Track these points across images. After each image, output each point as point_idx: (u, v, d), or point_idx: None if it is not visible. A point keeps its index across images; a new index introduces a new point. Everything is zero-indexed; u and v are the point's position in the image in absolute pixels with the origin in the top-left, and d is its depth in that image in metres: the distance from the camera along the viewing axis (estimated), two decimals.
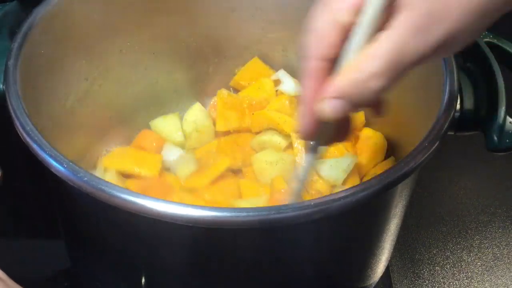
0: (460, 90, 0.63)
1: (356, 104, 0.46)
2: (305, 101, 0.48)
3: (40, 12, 0.68)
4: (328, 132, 0.51)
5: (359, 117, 0.79)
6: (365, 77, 0.44)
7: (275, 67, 0.87)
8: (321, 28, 0.46)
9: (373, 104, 0.51)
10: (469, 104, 0.64)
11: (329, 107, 0.46)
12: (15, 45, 0.65)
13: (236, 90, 0.87)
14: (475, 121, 0.63)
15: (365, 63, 0.44)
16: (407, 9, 0.43)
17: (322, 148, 0.53)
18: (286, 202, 0.53)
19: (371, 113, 0.52)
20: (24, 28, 0.66)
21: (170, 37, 0.84)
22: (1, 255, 0.55)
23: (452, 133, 0.63)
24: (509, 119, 0.61)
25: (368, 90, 0.44)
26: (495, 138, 0.60)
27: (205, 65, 0.88)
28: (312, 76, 0.47)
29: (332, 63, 0.47)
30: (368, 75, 0.44)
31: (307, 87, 0.48)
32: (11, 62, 0.63)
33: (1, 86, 0.62)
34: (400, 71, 0.44)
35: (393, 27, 0.43)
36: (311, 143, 0.53)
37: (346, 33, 0.45)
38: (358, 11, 0.45)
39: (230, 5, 0.83)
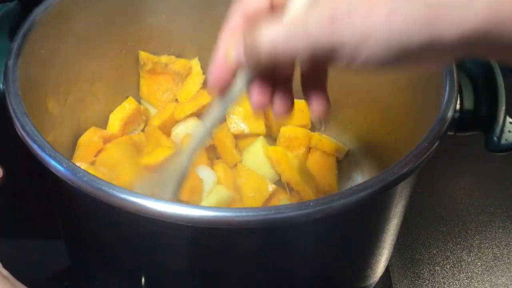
0: (460, 90, 0.63)
1: (253, 58, 0.45)
2: (219, 50, 0.49)
3: (40, 12, 0.68)
4: (237, 91, 0.50)
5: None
6: (263, 33, 0.44)
7: None
8: None
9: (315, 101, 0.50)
10: (469, 104, 0.63)
11: (233, 53, 0.47)
12: (15, 45, 0.65)
13: None
14: (475, 121, 0.63)
15: (271, 26, 0.44)
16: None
17: (229, 103, 0.51)
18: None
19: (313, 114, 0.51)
20: (24, 28, 0.66)
21: (170, 37, 0.84)
22: (1, 255, 0.55)
23: (452, 133, 0.63)
24: (509, 119, 0.61)
25: (258, 47, 0.44)
26: (495, 138, 0.60)
27: (205, 69, 0.88)
28: (230, 28, 0.49)
29: (253, 21, 0.47)
30: (266, 32, 0.44)
31: (223, 36, 0.49)
32: (11, 62, 0.63)
33: (1, 85, 0.62)
34: (297, 48, 0.43)
35: (318, 5, 0.42)
36: (220, 97, 0.51)
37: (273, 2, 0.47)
38: None
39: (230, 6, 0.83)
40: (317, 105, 0.50)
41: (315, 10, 0.42)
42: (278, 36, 0.43)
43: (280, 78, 0.50)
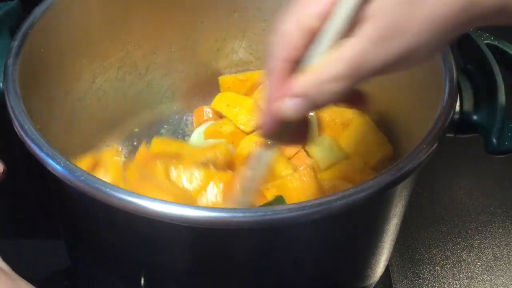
0: (460, 92, 0.63)
1: (315, 103, 0.48)
2: (268, 100, 0.50)
3: (40, 12, 0.68)
4: (288, 133, 0.53)
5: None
6: (326, 79, 0.46)
7: None
8: (288, 30, 0.48)
9: (353, 100, 0.54)
10: (468, 106, 0.63)
11: (289, 105, 0.48)
12: (15, 44, 0.65)
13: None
14: (475, 123, 0.63)
15: (327, 65, 0.46)
16: (371, 20, 0.45)
17: (276, 149, 0.55)
18: (236, 203, 0.57)
19: (357, 108, 0.57)
20: (24, 27, 0.66)
21: (170, 37, 0.84)
22: (1, 255, 0.55)
23: (452, 135, 0.63)
24: (508, 121, 0.61)
25: (328, 91, 0.47)
26: (495, 140, 0.60)
27: (204, 68, 0.88)
28: (275, 76, 0.49)
29: (295, 64, 0.48)
30: (329, 77, 0.46)
31: (270, 86, 0.49)
32: (10, 61, 0.63)
33: (1, 85, 0.62)
34: (360, 77, 0.47)
35: (357, 36, 0.45)
36: (269, 142, 0.55)
37: (311, 37, 0.47)
38: (325, 17, 0.47)
39: (231, 7, 0.83)
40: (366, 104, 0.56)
41: (357, 40, 0.45)
42: (344, 77, 0.46)
43: None
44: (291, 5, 0.48)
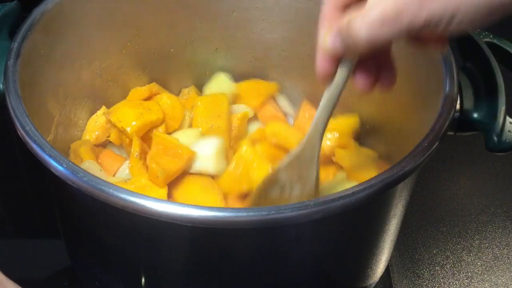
0: (460, 90, 0.63)
1: (345, 44, 0.50)
2: (319, 41, 0.52)
3: (40, 12, 0.68)
4: (345, 75, 0.54)
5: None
6: (358, 24, 0.47)
7: (274, 67, 0.87)
8: None
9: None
10: (469, 104, 0.64)
11: (327, 40, 0.51)
12: (15, 45, 0.65)
13: None
14: (475, 121, 0.63)
15: (365, 11, 0.47)
16: None
17: (338, 86, 0.56)
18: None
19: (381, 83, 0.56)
20: (24, 28, 0.66)
21: (170, 37, 0.84)
22: (1, 255, 0.55)
23: (452, 133, 0.63)
24: (509, 119, 0.61)
25: (354, 35, 0.48)
26: (495, 138, 0.60)
27: (204, 67, 0.88)
28: (325, 20, 0.52)
29: (347, 7, 0.51)
30: (361, 22, 0.47)
31: (321, 29, 0.52)
32: (11, 62, 0.63)
33: (1, 86, 0.62)
34: (391, 31, 0.46)
35: None
36: (328, 84, 0.56)
37: None
38: None
39: (230, 6, 0.83)
40: (390, 78, 0.57)
41: None
42: (374, 25, 0.47)
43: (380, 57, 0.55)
44: None
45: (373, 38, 0.47)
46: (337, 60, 0.53)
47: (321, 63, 0.54)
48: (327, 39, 0.51)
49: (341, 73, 0.54)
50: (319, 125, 0.59)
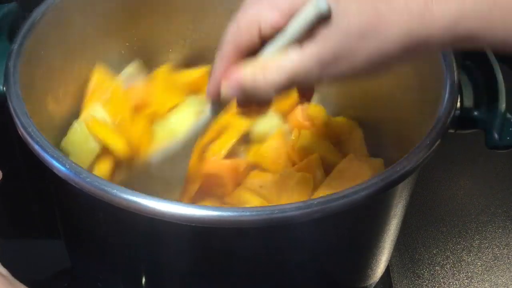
0: (460, 88, 0.63)
1: (247, 98, 0.52)
2: (212, 75, 0.55)
3: (40, 12, 0.68)
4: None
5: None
6: (264, 83, 0.50)
7: None
8: (243, 24, 0.52)
9: (301, 91, 0.58)
10: (469, 102, 0.64)
11: (226, 89, 0.53)
12: (15, 46, 0.65)
13: None
14: (475, 119, 0.63)
15: (269, 70, 0.50)
16: (320, 42, 0.48)
17: (220, 110, 0.58)
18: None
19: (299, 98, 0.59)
20: (24, 28, 0.66)
21: (169, 37, 0.84)
22: (1, 255, 0.55)
23: (453, 131, 0.63)
24: (509, 116, 0.61)
25: (261, 93, 0.50)
26: (496, 135, 0.60)
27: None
28: (223, 58, 0.53)
29: (244, 54, 0.52)
30: (266, 82, 0.50)
31: (217, 66, 0.54)
32: (11, 63, 0.63)
33: (2, 87, 0.62)
34: (294, 85, 0.51)
35: (304, 51, 0.48)
36: (212, 103, 0.58)
37: (263, 37, 0.51)
38: (279, 27, 0.50)
39: (229, 6, 0.83)
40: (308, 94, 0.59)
41: (305, 57, 0.48)
42: (279, 83, 0.49)
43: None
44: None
45: (277, 93, 0.50)
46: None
47: (214, 92, 0.55)
48: (225, 87, 0.53)
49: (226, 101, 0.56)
50: (192, 136, 0.62)
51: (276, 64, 0.49)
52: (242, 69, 0.51)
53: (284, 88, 0.50)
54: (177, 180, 0.67)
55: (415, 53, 0.48)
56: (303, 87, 0.56)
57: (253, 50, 0.52)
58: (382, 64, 0.48)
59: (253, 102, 0.55)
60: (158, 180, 0.66)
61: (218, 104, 0.57)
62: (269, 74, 0.49)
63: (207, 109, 0.59)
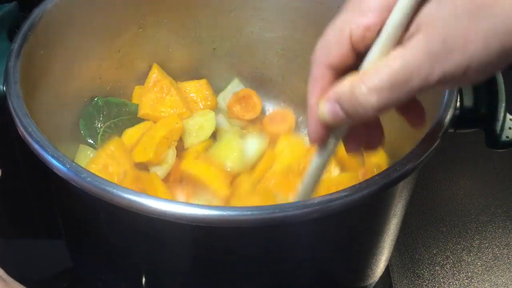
0: (460, 88, 0.63)
1: (349, 114, 0.44)
2: (310, 105, 0.48)
3: (40, 12, 0.68)
4: (337, 139, 0.51)
5: None
6: (363, 90, 0.43)
7: (273, 67, 0.87)
8: (331, 36, 0.46)
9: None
10: (468, 101, 0.64)
11: (325, 109, 0.46)
12: (15, 45, 0.65)
13: None
14: (475, 118, 0.63)
15: (368, 75, 0.43)
16: (424, 32, 0.42)
17: (331, 152, 0.52)
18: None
19: (408, 121, 0.52)
20: (24, 28, 0.66)
21: (168, 37, 0.84)
22: (1, 255, 0.55)
23: (452, 130, 0.63)
24: (509, 116, 0.61)
25: (362, 104, 0.43)
26: (495, 135, 0.61)
27: (203, 69, 0.88)
28: (316, 81, 0.47)
29: (340, 71, 0.46)
30: (366, 88, 0.43)
31: (312, 91, 0.48)
32: (11, 63, 0.63)
33: (2, 87, 0.62)
34: (400, 94, 0.42)
35: (407, 47, 0.42)
36: (319, 148, 0.52)
37: (355, 46, 0.45)
38: (373, 29, 0.44)
39: (228, 6, 0.83)
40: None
41: (408, 52, 0.42)
42: (383, 90, 0.42)
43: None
44: (342, 10, 0.46)
45: (382, 105, 0.42)
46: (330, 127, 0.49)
47: (315, 129, 0.49)
48: (323, 108, 0.46)
49: (335, 139, 0.51)
50: (307, 193, 0.55)
51: (376, 68, 0.42)
52: (339, 84, 0.45)
53: (386, 96, 0.42)
54: None
55: None
56: (412, 98, 0.44)
57: (348, 66, 0.46)
58: (501, 50, 0.40)
59: (356, 123, 0.48)
60: None
61: (325, 146, 0.51)
62: (368, 80, 0.42)
63: (313, 157, 0.53)
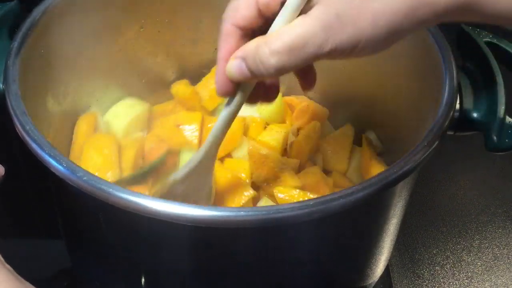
0: (460, 90, 0.64)
1: (252, 72, 0.49)
2: (218, 59, 0.53)
3: (40, 12, 0.68)
4: (245, 93, 0.55)
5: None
6: (265, 51, 0.47)
7: None
8: (242, 0, 0.51)
9: (300, 74, 0.57)
10: (468, 103, 0.64)
11: (232, 67, 0.51)
12: (15, 44, 0.65)
13: None
14: (475, 121, 0.63)
15: (271, 39, 0.48)
16: (323, 4, 0.46)
17: (237, 105, 0.56)
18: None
19: (300, 85, 0.58)
20: (24, 28, 0.66)
21: (169, 38, 0.84)
22: (1, 255, 0.55)
23: (452, 133, 0.63)
24: (508, 118, 0.61)
25: (263, 64, 0.48)
26: (495, 137, 0.60)
27: (204, 69, 0.88)
28: (224, 37, 0.52)
29: (249, 32, 0.52)
30: (270, 50, 0.47)
31: (221, 47, 0.53)
32: (10, 62, 0.63)
33: (1, 85, 0.62)
34: (297, 59, 0.47)
35: (307, 16, 0.47)
36: (228, 99, 0.56)
37: (261, 11, 0.50)
38: None
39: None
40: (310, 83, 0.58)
41: (307, 22, 0.47)
42: (282, 53, 0.47)
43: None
44: None
45: (281, 66, 0.48)
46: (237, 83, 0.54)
47: (223, 83, 0.53)
48: (230, 64, 0.51)
49: (242, 94, 0.55)
50: (216, 139, 0.60)
51: (279, 33, 0.48)
52: (246, 44, 0.50)
53: (284, 59, 0.47)
54: (206, 193, 0.66)
55: (420, 18, 0.46)
56: (307, 63, 0.50)
57: (255, 29, 0.51)
58: (388, 29, 0.46)
59: (260, 81, 0.53)
60: (187, 197, 0.64)
61: (232, 99, 0.56)
62: (272, 43, 0.47)
63: (222, 108, 0.57)
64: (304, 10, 0.48)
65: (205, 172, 0.63)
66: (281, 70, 0.48)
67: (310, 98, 0.85)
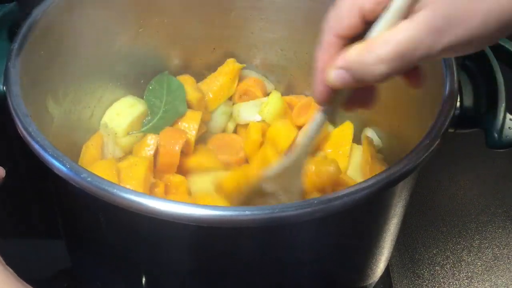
0: (460, 88, 0.64)
1: (357, 80, 0.48)
2: (316, 70, 0.52)
3: (40, 13, 0.68)
4: (341, 98, 0.54)
5: None
6: (372, 59, 0.46)
7: (273, 67, 0.87)
8: (344, 8, 0.49)
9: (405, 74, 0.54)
10: (468, 101, 0.64)
11: (333, 75, 0.49)
12: (15, 46, 0.65)
13: None
14: (475, 118, 0.63)
15: (376, 45, 0.46)
16: (429, 7, 0.45)
17: (334, 112, 0.56)
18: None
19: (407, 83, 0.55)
20: (24, 28, 0.66)
21: (168, 38, 0.84)
22: (1, 255, 0.55)
23: (452, 130, 0.63)
24: (509, 116, 0.61)
25: (371, 71, 0.47)
26: (495, 135, 0.61)
27: (203, 68, 0.88)
28: (325, 48, 0.51)
29: (347, 41, 0.50)
30: (375, 57, 0.46)
31: (319, 57, 0.52)
32: (11, 63, 0.63)
33: (2, 87, 0.62)
34: (405, 63, 0.46)
35: (413, 21, 0.45)
36: (323, 107, 0.56)
37: (365, 17, 0.49)
38: (383, 3, 0.47)
39: (228, 6, 0.83)
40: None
41: (414, 26, 0.45)
42: (391, 59, 0.46)
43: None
44: None
45: (389, 72, 0.46)
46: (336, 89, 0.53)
47: (322, 91, 0.53)
48: (332, 73, 0.49)
49: (340, 99, 0.54)
50: (308, 143, 0.60)
51: (383, 38, 0.46)
52: (347, 52, 0.48)
53: (393, 65, 0.46)
54: (294, 195, 0.65)
55: None
56: (413, 65, 0.48)
57: (357, 36, 0.50)
58: (499, 27, 0.45)
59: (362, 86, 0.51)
60: (274, 198, 0.64)
61: (329, 104, 0.55)
62: (376, 48, 0.46)
63: (317, 114, 0.56)
64: (407, 15, 0.47)
65: (296, 173, 0.63)
66: (388, 75, 0.47)
67: (308, 96, 0.85)
